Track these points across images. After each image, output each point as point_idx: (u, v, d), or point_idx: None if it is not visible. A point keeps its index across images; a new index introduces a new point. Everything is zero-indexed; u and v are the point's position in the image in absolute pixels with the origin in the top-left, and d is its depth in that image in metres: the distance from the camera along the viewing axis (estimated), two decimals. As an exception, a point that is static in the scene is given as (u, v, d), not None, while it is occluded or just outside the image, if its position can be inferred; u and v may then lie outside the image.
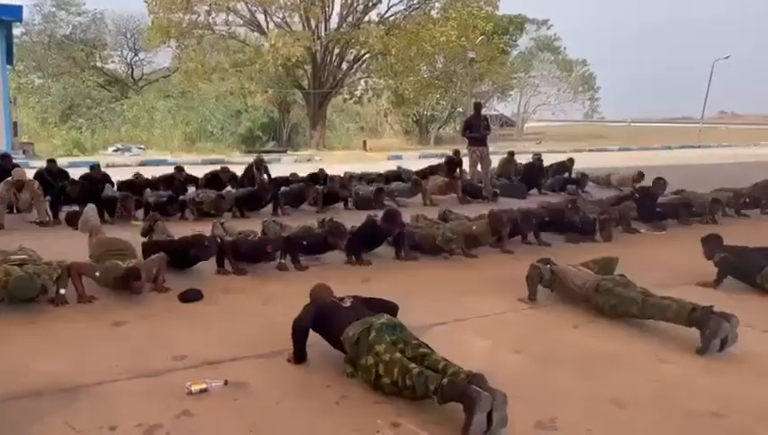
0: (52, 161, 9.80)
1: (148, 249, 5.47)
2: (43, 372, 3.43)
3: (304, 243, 5.89)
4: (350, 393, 3.16)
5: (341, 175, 11.33)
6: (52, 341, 3.93)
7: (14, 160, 9.28)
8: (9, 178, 7.71)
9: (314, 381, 3.33)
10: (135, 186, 9.44)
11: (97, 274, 4.72)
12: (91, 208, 6.52)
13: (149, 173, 10.78)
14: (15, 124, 21.47)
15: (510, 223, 6.58)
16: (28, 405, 3.05)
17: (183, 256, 5.42)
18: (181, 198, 8.62)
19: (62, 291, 4.58)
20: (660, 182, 8.46)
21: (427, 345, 3.18)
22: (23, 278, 4.33)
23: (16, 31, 24.84)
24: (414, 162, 15.78)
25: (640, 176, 11.45)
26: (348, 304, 3.56)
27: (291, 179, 10.49)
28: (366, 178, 11.31)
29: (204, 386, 3.17)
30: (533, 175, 12.06)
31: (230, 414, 2.97)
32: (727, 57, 38.93)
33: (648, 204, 8.05)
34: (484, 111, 12.45)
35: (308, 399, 3.14)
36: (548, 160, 13.02)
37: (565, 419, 2.93)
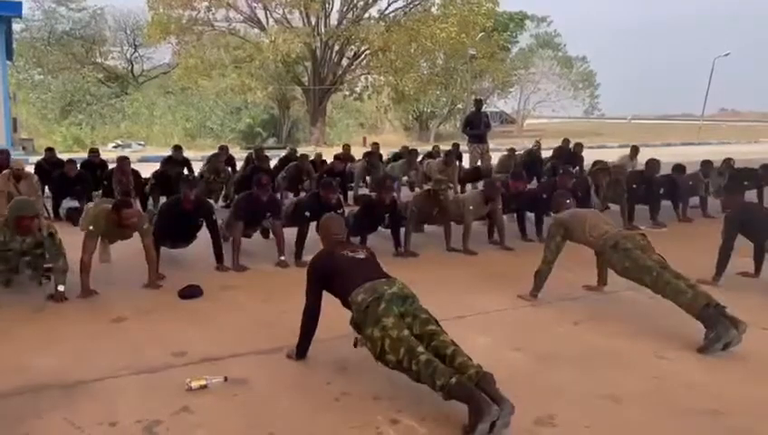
0: (50, 150, 9.73)
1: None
2: (42, 368, 3.44)
3: (307, 214, 5.90)
4: (349, 390, 3.16)
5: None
6: (52, 337, 3.94)
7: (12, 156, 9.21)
8: (7, 171, 7.66)
9: (314, 377, 3.34)
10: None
11: (91, 227, 4.76)
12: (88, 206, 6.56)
13: (150, 170, 10.73)
14: (15, 120, 21.47)
15: (503, 187, 6.61)
16: (28, 401, 3.05)
17: (192, 220, 5.56)
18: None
19: (61, 288, 4.59)
20: (653, 163, 8.21)
21: (436, 322, 3.12)
22: (23, 199, 4.56)
23: (16, 27, 24.82)
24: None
25: (635, 151, 10.97)
26: (362, 255, 3.43)
27: (289, 157, 10.32)
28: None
29: (203, 382, 3.17)
30: (533, 165, 12.01)
31: (230, 411, 2.98)
32: (727, 54, 38.85)
33: (645, 188, 7.98)
34: (484, 108, 12.45)
35: (308, 395, 3.15)
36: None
37: (564, 415, 2.94)
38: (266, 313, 4.42)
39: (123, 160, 8.36)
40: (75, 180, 8.13)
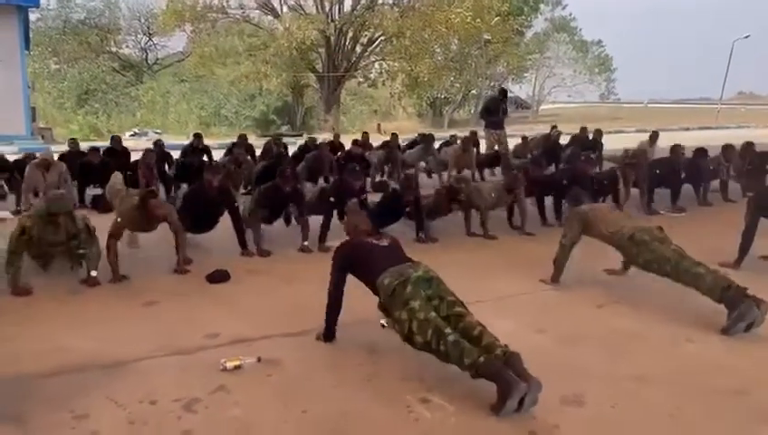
0: (73, 141, 9.80)
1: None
2: (81, 349, 3.55)
3: (331, 199, 5.98)
4: (380, 371, 3.25)
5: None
6: (88, 320, 4.06)
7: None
8: (35, 160, 7.79)
9: (345, 359, 3.42)
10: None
11: (119, 220, 4.87)
12: (115, 175, 6.61)
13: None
14: (33, 109, 21.69)
15: (524, 180, 6.64)
16: (71, 380, 3.17)
17: (214, 207, 5.66)
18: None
19: (94, 273, 4.72)
20: (678, 148, 8.31)
21: (462, 304, 3.18)
22: (56, 194, 4.61)
23: (32, 16, 25.02)
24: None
25: (654, 136, 11.00)
26: (385, 243, 3.53)
27: (309, 146, 10.30)
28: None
29: (238, 363, 3.27)
30: (552, 151, 11.96)
31: (265, 390, 3.07)
32: (747, 37, 38.12)
33: (668, 173, 7.97)
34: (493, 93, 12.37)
35: (339, 376, 3.23)
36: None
37: (590, 395, 3.00)
38: (293, 296, 4.51)
39: (148, 154, 8.42)
40: (99, 168, 8.23)
